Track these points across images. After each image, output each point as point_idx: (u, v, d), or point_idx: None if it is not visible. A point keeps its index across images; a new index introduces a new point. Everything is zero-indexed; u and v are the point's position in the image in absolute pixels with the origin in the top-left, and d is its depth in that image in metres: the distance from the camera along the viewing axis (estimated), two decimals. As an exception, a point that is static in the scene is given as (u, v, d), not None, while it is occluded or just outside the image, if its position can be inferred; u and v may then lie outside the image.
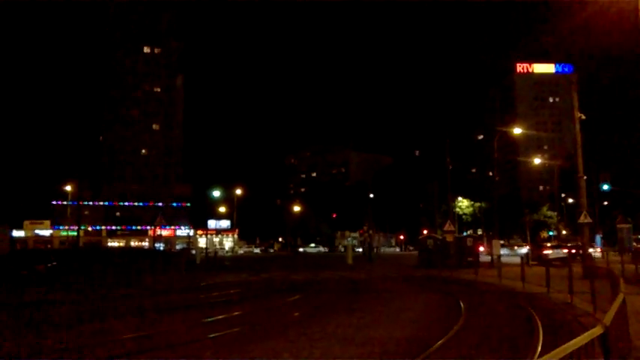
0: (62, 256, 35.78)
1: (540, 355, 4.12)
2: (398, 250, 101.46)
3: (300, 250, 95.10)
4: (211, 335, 10.66)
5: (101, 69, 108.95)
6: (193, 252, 61.07)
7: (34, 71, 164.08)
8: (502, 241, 51.68)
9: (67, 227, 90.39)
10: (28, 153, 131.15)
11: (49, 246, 77.85)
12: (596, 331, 3.58)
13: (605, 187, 45.88)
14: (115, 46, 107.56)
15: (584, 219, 23.56)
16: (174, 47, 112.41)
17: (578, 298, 14.48)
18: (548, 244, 42.15)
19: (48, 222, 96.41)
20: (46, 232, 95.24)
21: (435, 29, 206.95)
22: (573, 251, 34.90)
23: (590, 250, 42.80)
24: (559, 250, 35.18)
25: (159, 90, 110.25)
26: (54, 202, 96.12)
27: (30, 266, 28.54)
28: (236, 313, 14.01)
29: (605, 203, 67.02)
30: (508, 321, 12.51)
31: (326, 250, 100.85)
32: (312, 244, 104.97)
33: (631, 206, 58.49)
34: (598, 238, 51.90)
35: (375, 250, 65.89)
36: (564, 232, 71.02)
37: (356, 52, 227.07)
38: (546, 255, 32.41)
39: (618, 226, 47.52)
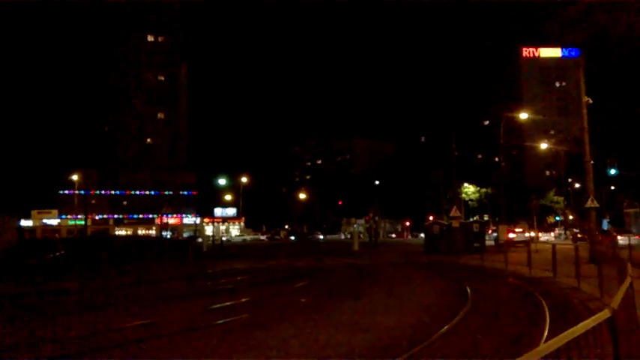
0: (70, 245, 36.02)
1: (547, 340, 4.10)
2: (394, 236, 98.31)
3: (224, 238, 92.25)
4: (218, 322, 10.73)
5: (105, 58, 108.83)
6: (200, 240, 61.25)
7: (39, 62, 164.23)
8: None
9: (72, 216, 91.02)
10: (34, 144, 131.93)
11: (56, 235, 78.40)
12: (604, 314, 3.55)
13: (613, 171, 45.53)
14: (118, 35, 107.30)
15: (591, 203, 23.42)
16: (177, 36, 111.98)
17: (585, 282, 14.42)
18: (517, 230, 44.23)
19: (55, 211, 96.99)
20: (54, 222, 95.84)
21: (440, 15, 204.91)
22: (534, 235, 43.50)
23: (540, 234, 44.39)
24: (522, 234, 40.21)
25: (163, 79, 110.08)
26: (61, 192, 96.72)
27: (38, 255, 28.74)
28: (243, 299, 14.06)
29: (612, 187, 66.69)
30: (515, 306, 12.50)
31: (259, 237, 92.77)
32: (237, 234, 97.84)
33: (638, 190, 58.12)
34: (605, 222, 51.72)
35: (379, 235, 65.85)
36: (571, 217, 70.78)
37: (361, 38, 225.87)
38: (512, 238, 37.26)
39: (625, 210, 47.45)
